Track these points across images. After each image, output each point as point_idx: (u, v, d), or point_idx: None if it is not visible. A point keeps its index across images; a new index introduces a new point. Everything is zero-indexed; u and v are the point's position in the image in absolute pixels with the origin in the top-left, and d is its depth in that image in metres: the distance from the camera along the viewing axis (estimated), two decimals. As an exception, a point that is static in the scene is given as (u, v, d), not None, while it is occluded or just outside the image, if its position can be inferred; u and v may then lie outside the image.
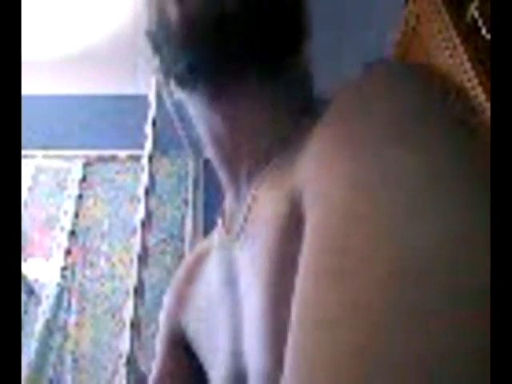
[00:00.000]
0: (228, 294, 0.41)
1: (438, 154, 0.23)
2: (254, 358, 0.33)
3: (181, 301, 0.53)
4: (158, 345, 0.55)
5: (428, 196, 0.21)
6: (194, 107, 0.43)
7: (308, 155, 0.31)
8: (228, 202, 0.46)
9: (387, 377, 0.17)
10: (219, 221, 0.47)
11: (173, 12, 0.36)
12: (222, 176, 0.44)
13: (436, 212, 0.21)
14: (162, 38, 0.40)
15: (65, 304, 2.01)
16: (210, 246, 0.51)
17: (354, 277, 0.20)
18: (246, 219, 0.39)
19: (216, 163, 0.44)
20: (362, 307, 0.19)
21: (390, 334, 0.18)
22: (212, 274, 0.46)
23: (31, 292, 2.00)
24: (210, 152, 0.44)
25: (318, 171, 0.28)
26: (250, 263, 0.36)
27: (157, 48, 0.41)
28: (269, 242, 0.33)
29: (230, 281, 0.40)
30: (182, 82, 0.40)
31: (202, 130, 0.44)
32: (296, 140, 0.37)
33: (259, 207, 0.37)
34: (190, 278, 0.53)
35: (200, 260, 0.53)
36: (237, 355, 0.38)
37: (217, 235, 0.47)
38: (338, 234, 0.23)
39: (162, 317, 0.56)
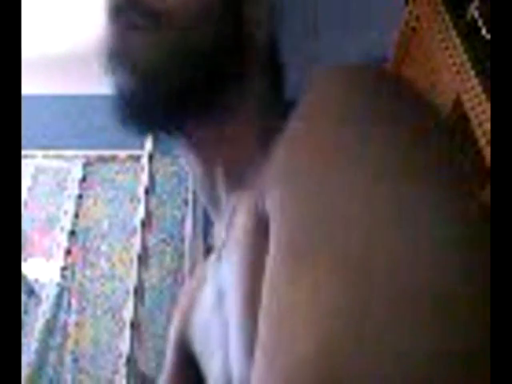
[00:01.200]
0: (218, 308, 0.43)
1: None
2: (236, 366, 0.35)
3: (185, 311, 0.55)
4: (167, 351, 0.57)
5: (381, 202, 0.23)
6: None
7: (269, 172, 0.33)
8: (216, 227, 0.49)
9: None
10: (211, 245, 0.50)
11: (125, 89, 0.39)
12: (208, 205, 0.48)
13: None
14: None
15: (65, 304, 2.01)
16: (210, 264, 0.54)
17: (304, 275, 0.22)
18: (226, 239, 0.41)
19: (202, 195, 0.48)
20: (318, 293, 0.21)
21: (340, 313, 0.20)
22: (207, 288, 0.48)
23: (31, 292, 2.00)
24: (197, 188, 0.48)
25: (276, 189, 0.29)
26: (230, 279, 0.38)
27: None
28: (240, 258, 0.35)
29: (219, 295, 0.42)
30: None
31: (190, 170, 0.48)
32: (263, 159, 0.40)
33: (233, 227, 0.39)
34: (194, 288, 0.56)
35: (204, 272, 0.55)
36: (227, 365, 0.39)
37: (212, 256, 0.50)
38: (293, 240, 0.24)
39: (172, 325, 0.58)
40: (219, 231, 0.45)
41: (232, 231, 0.39)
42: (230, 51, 0.41)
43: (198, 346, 0.49)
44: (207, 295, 0.47)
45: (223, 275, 0.41)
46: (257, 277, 0.31)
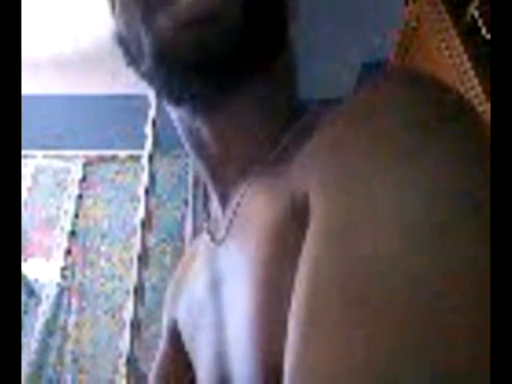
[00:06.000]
0: (212, 298, 0.40)
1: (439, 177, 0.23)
2: (241, 363, 0.33)
3: (174, 299, 0.54)
4: (161, 341, 0.56)
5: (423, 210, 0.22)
6: (176, 113, 0.42)
7: (313, 161, 0.30)
8: (213, 206, 0.45)
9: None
10: (205, 224, 0.46)
11: (148, 47, 0.35)
12: (207, 180, 0.44)
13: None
14: (139, 63, 0.38)
15: (65, 304, 2.01)
16: (200, 245, 0.51)
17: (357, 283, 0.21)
18: (231, 223, 0.38)
19: (200, 167, 0.43)
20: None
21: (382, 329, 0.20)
22: (198, 276, 0.46)
23: (31, 292, 2.00)
24: (193, 156, 0.43)
25: (326, 179, 0.27)
26: (237, 267, 0.35)
27: (134, 64, 0.40)
28: (261, 245, 0.32)
29: (214, 284, 0.40)
30: (164, 99, 0.39)
31: (183, 134, 0.43)
32: (289, 144, 0.37)
33: (247, 211, 0.37)
34: (183, 276, 0.54)
35: (192, 259, 0.53)
36: (221, 358, 0.37)
37: (205, 237, 0.47)
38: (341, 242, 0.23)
39: (164, 314, 0.57)
40: (219, 214, 0.42)
41: (243, 218, 0.37)
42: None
43: (186, 336, 0.47)
44: (197, 284, 0.45)
45: (224, 262, 0.39)
46: (279, 271, 0.30)
